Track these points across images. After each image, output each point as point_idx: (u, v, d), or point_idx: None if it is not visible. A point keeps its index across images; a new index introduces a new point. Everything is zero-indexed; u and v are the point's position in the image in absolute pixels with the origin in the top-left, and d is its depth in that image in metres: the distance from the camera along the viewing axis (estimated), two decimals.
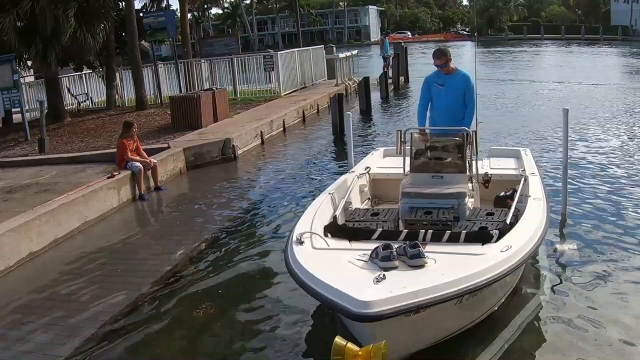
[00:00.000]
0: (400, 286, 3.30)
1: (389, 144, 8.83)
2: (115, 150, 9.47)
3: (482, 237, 4.30)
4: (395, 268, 3.56)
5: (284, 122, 14.42)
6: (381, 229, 4.58)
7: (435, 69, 6.13)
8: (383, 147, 7.80)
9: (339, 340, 3.86)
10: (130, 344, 4.63)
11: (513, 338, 4.26)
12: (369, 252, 3.77)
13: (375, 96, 18.68)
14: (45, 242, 6.78)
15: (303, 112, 16.01)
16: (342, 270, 3.66)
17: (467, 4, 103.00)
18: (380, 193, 6.34)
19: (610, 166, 9.06)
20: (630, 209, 6.95)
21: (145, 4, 21.37)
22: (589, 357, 4.03)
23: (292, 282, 5.38)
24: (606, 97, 17.27)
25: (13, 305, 5.39)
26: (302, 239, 4.24)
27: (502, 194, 5.70)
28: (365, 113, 16.30)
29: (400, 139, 5.67)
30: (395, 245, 3.72)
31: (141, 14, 18.14)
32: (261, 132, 12.92)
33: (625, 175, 8.51)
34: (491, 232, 4.34)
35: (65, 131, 13.87)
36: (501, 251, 3.90)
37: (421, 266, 3.62)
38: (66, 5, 13.48)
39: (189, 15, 27.08)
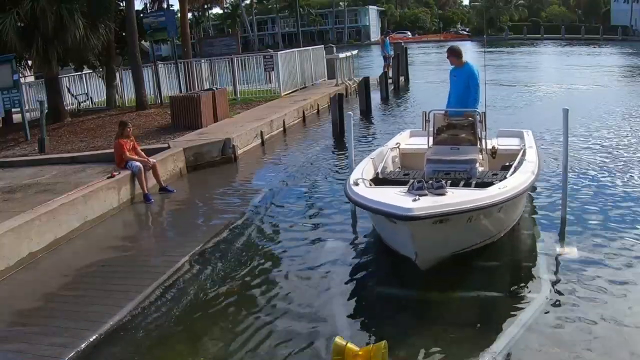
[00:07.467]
0: (430, 203, 4.87)
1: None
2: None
3: (487, 185, 5.76)
4: (425, 195, 5.04)
5: (284, 122, 14.43)
6: (413, 180, 5.80)
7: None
8: (410, 128, 9.05)
9: (339, 340, 3.88)
10: (132, 347, 4.64)
11: (514, 340, 4.28)
12: (406, 190, 5.25)
13: (376, 96, 18.66)
14: (45, 242, 6.78)
15: (303, 112, 16.02)
16: (390, 196, 5.16)
17: (467, 4, 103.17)
18: (408, 164, 7.67)
19: (610, 167, 9.05)
20: (630, 211, 6.95)
21: (146, 4, 21.42)
22: (589, 357, 4.04)
23: (293, 286, 5.47)
24: (606, 97, 17.26)
25: (13, 308, 5.37)
26: (357, 182, 5.78)
27: (507, 164, 6.79)
28: (365, 113, 16.30)
29: (425, 118, 7.01)
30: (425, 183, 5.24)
31: (141, 15, 18.14)
32: (261, 132, 12.92)
33: (625, 176, 8.51)
34: (494, 182, 5.85)
35: (65, 131, 13.85)
36: (499, 189, 5.46)
37: (443, 194, 5.09)
38: (70, 5, 13.47)
39: (189, 15, 27.09)
